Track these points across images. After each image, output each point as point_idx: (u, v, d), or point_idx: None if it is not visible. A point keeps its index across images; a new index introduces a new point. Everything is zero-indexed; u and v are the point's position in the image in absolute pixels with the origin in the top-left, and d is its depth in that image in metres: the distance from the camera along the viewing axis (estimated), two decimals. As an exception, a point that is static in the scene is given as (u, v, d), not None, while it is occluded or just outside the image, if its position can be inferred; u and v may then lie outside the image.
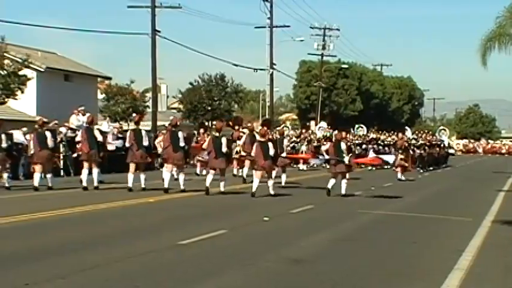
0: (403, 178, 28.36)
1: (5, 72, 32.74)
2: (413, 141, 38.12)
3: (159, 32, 40.20)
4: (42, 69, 38.90)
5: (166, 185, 18.66)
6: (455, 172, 39.23)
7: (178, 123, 20.22)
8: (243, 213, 15.28)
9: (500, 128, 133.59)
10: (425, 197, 21.29)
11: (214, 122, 43.00)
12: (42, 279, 7.87)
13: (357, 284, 8.28)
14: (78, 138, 21.11)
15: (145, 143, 19.42)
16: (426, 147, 38.36)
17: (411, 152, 34.98)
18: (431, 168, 38.23)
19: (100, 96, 49.36)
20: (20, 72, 33.40)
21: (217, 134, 19.48)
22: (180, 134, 19.32)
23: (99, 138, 20.14)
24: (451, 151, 50.85)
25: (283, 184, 22.11)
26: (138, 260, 9.21)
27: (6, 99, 33.27)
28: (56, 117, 26.45)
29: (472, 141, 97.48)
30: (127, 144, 19.53)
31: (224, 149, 18.78)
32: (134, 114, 22.54)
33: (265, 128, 20.33)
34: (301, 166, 34.85)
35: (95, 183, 19.47)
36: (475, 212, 16.19)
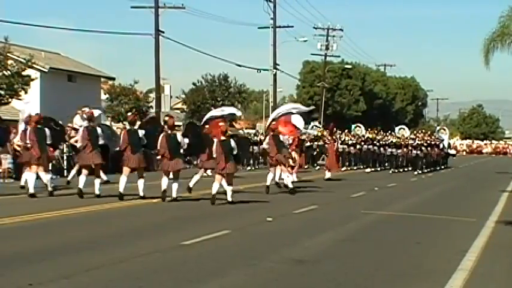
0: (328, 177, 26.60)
1: (9, 72, 32.72)
2: (411, 141, 36.74)
3: (162, 32, 40.23)
4: (45, 70, 38.92)
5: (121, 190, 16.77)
6: (458, 172, 39.18)
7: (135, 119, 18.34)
8: (246, 213, 15.29)
9: (504, 128, 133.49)
10: (428, 198, 21.28)
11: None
12: (47, 279, 7.89)
13: (361, 284, 8.28)
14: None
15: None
16: (423, 148, 36.76)
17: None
18: (428, 169, 36.49)
19: (103, 96, 49.36)
20: (24, 73, 33.38)
21: (169, 131, 17.04)
22: (141, 133, 17.17)
23: (49, 139, 18.00)
24: (451, 152, 48.63)
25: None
26: (142, 260, 9.23)
27: (10, 100, 33.27)
28: (60, 118, 26.46)
29: (477, 142, 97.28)
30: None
31: (185, 145, 16.92)
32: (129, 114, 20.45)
33: (224, 124, 17.40)
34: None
35: (31, 190, 17.29)
36: (479, 213, 16.18)
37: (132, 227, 12.72)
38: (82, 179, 17.22)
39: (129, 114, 17.99)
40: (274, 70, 52.20)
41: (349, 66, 72.44)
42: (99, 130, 17.70)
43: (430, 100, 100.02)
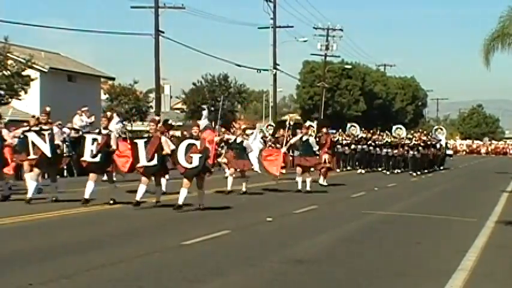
0: (325, 183, 23.35)
1: (9, 72, 32.80)
2: (407, 142, 35.28)
3: (162, 32, 40.30)
4: (45, 70, 38.96)
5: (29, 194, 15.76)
6: (458, 172, 39.14)
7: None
8: (247, 213, 15.28)
9: (504, 128, 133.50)
10: (429, 198, 21.27)
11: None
12: (47, 279, 7.89)
13: (361, 284, 8.28)
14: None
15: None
16: (420, 148, 35.24)
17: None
18: (425, 171, 35.22)
19: (103, 96, 49.42)
20: (24, 73, 33.45)
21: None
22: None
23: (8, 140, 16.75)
24: (448, 152, 47.22)
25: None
26: (142, 260, 9.23)
27: (10, 100, 33.30)
28: (59, 118, 26.47)
29: (477, 142, 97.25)
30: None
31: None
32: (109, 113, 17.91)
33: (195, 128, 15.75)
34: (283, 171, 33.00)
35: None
36: (479, 213, 16.18)
37: (132, 227, 12.72)
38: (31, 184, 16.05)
39: (108, 113, 16.76)
40: (274, 70, 52.24)
41: (349, 66, 72.40)
42: (55, 129, 16.85)
43: (430, 100, 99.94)
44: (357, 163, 36.70)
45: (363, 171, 34.82)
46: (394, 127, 38.06)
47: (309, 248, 10.70)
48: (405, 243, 11.58)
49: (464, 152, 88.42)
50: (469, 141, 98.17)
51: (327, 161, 23.57)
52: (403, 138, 35.97)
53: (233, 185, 19.40)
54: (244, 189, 19.42)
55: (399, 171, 34.68)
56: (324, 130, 24.72)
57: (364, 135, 37.45)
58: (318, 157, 21.32)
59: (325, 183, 23.01)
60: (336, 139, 34.69)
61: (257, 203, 17.31)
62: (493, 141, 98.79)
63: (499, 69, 30.15)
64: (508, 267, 9.68)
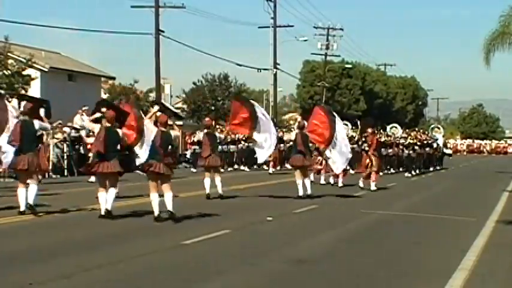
0: (374, 187, 22.14)
1: (9, 72, 32.79)
2: (402, 141, 33.98)
3: (162, 32, 40.35)
4: (45, 69, 38.94)
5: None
6: (458, 172, 39.12)
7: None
8: (246, 213, 15.27)
9: (504, 127, 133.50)
10: (428, 197, 21.26)
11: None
12: (46, 279, 7.89)
13: (361, 284, 8.28)
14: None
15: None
16: (416, 147, 33.65)
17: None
18: (421, 171, 33.70)
19: (104, 96, 49.38)
20: (24, 72, 33.44)
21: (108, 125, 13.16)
22: (37, 124, 13.49)
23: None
24: (447, 151, 46.02)
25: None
26: (141, 260, 9.23)
27: (10, 99, 33.26)
28: (60, 117, 26.50)
29: (478, 142, 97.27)
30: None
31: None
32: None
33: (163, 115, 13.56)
34: (270, 170, 31.62)
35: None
36: (479, 212, 16.17)
37: (131, 227, 12.70)
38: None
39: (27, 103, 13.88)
40: (275, 69, 52.29)
41: (350, 66, 72.45)
42: (36, 124, 13.59)
43: (430, 99, 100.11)
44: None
45: (353, 171, 32.83)
46: (388, 126, 36.74)
47: (309, 248, 10.70)
48: (405, 242, 11.57)
49: (464, 152, 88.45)
50: (469, 141, 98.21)
51: (373, 163, 22.32)
52: (397, 137, 34.74)
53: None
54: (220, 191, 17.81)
55: (393, 171, 33.37)
56: (370, 130, 23.69)
57: (354, 134, 36.01)
58: (312, 157, 20.51)
59: (374, 188, 21.84)
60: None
61: (257, 203, 17.30)
62: (493, 141, 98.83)
63: (499, 69, 30.14)
64: (508, 267, 9.67)
